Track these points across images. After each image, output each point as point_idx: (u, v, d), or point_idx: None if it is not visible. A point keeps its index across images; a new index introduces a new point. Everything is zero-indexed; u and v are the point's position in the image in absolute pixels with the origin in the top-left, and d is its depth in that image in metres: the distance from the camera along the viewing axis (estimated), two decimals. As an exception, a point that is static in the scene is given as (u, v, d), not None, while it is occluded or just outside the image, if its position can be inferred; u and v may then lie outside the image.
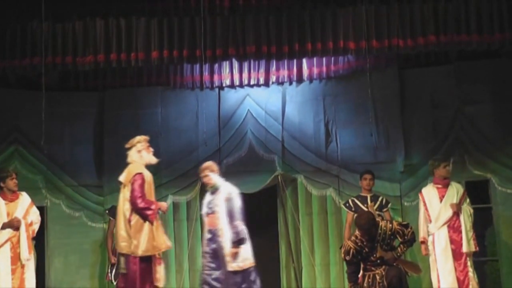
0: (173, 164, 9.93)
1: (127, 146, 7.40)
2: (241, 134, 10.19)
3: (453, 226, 8.45)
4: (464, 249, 8.31)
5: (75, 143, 10.20)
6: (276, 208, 10.09)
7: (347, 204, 9.06)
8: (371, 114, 9.28)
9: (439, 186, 8.62)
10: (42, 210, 9.53)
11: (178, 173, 10.00)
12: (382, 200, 9.01)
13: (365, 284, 7.39)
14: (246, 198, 9.70)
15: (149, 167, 7.42)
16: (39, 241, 9.38)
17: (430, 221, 8.52)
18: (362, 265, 7.48)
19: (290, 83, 10.21)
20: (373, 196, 9.02)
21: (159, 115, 10.27)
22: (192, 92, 10.27)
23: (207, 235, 7.78)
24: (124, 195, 7.19)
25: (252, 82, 10.16)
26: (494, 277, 9.43)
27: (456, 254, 8.38)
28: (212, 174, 7.81)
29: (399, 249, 7.45)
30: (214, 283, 7.62)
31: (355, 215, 8.16)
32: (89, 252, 10.00)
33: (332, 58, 9.88)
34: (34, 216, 8.26)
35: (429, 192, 8.63)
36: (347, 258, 7.39)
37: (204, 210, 7.89)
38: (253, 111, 10.21)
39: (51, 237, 9.91)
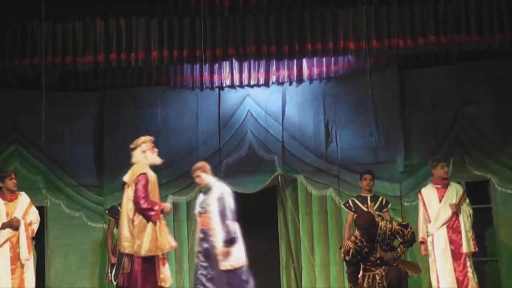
0: (173, 164, 9.93)
1: (131, 146, 7.40)
2: (241, 134, 10.19)
3: (452, 226, 8.45)
4: (464, 249, 8.32)
5: (75, 143, 10.20)
6: (276, 208, 10.09)
7: (347, 204, 9.06)
8: (371, 114, 9.28)
9: (439, 186, 8.63)
10: (42, 210, 9.54)
11: (178, 173, 10.00)
12: (382, 200, 9.02)
13: (365, 284, 7.39)
14: (246, 198, 9.76)
15: (150, 167, 7.42)
16: (39, 241, 9.39)
17: (430, 221, 8.52)
18: (362, 265, 7.48)
19: (290, 83, 10.21)
20: (373, 196, 9.02)
21: (159, 115, 10.27)
22: (192, 92, 10.27)
23: (200, 235, 7.80)
24: (128, 195, 7.20)
25: (252, 82, 10.17)
26: (494, 277, 9.44)
27: (456, 255, 8.38)
28: (204, 175, 7.81)
29: (399, 249, 7.45)
30: (208, 283, 7.62)
31: (355, 215, 8.17)
32: (89, 252, 10.00)
33: (332, 58, 9.88)
34: (33, 216, 8.26)
35: (428, 192, 8.64)
36: (347, 258, 7.39)
37: (197, 209, 7.90)
38: (253, 111, 10.22)
39: (51, 237, 9.91)
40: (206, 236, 7.69)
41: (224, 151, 10.11)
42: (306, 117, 10.14)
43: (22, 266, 8.03)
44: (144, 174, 7.18)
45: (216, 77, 10.14)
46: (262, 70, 10.12)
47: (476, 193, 9.31)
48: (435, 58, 9.78)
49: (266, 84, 10.17)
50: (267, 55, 8.65)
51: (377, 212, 8.76)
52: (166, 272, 7.18)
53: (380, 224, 7.41)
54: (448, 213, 8.46)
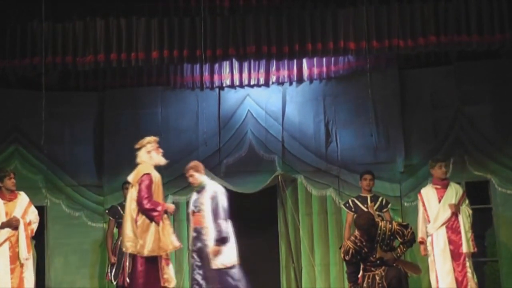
0: (173, 164, 9.85)
1: (136, 146, 7.42)
2: (241, 134, 10.19)
3: (451, 226, 8.45)
4: (463, 249, 8.31)
5: (75, 143, 10.20)
6: (276, 208, 10.09)
7: (347, 205, 9.05)
8: (371, 114, 9.28)
9: (438, 186, 8.63)
10: (42, 209, 9.56)
11: (178, 173, 9.96)
12: (382, 200, 9.01)
13: (364, 285, 7.39)
14: (246, 198, 9.77)
15: (155, 167, 7.41)
16: (39, 241, 9.40)
17: (429, 221, 8.53)
18: (362, 266, 7.48)
19: (290, 83, 10.21)
20: (373, 196, 9.02)
21: (159, 115, 10.27)
22: (192, 92, 10.27)
23: (193, 234, 7.82)
24: (132, 195, 7.22)
25: (252, 82, 10.17)
26: (494, 277, 9.43)
27: (455, 255, 8.38)
28: (197, 174, 7.82)
29: (398, 249, 7.45)
30: (203, 282, 7.64)
31: (355, 215, 8.17)
32: (89, 252, 10.00)
33: (332, 58, 9.88)
34: (33, 215, 8.27)
35: (428, 193, 8.64)
36: (346, 258, 7.39)
37: (191, 208, 7.92)
38: (253, 111, 10.22)
39: (51, 237, 9.91)
40: (199, 235, 7.71)
41: (224, 151, 10.11)
42: (306, 117, 10.14)
43: (21, 265, 8.04)
44: (148, 174, 7.19)
45: (216, 77, 10.15)
46: (262, 70, 10.12)
47: (476, 193, 9.31)
48: (435, 58, 9.79)
49: (266, 84, 10.17)
50: (267, 55, 8.66)
51: (377, 212, 8.76)
52: (170, 273, 7.19)
53: (380, 224, 7.41)
54: (447, 213, 8.46)
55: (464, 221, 8.40)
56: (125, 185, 9.34)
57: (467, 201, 8.57)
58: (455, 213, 8.46)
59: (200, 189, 7.84)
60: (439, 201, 8.54)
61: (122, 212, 9.21)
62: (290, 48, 8.56)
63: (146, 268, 7.06)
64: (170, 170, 9.84)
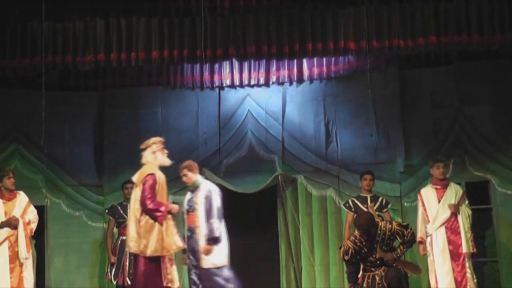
0: (173, 164, 9.89)
1: (142, 147, 7.42)
2: (241, 134, 10.19)
3: (451, 227, 8.46)
4: (463, 249, 8.31)
5: (75, 142, 10.20)
6: (276, 208, 10.08)
7: (347, 205, 9.05)
8: (371, 114, 9.28)
9: (438, 187, 8.63)
10: (42, 209, 9.57)
11: (178, 173, 9.92)
12: (382, 200, 9.01)
13: (364, 285, 7.39)
14: (246, 198, 9.77)
15: (159, 168, 7.41)
16: (39, 241, 9.41)
17: (428, 221, 8.54)
18: (362, 266, 7.48)
19: (291, 83, 10.21)
20: (373, 196, 9.02)
21: (159, 115, 10.27)
22: (192, 92, 10.27)
23: (187, 233, 7.83)
24: (136, 195, 7.22)
25: (252, 82, 10.17)
26: (494, 278, 9.43)
27: (454, 255, 8.38)
28: (190, 173, 7.83)
29: (398, 250, 7.45)
30: (199, 282, 7.65)
31: (355, 215, 8.17)
32: (89, 251, 10.00)
33: (333, 59, 9.88)
34: (32, 215, 8.27)
35: (427, 193, 8.65)
36: (346, 258, 7.39)
37: (185, 207, 7.92)
38: (253, 111, 10.21)
39: (51, 237, 9.91)
40: (192, 234, 7.73)
41: (224, 151, 10.11)
42: (306, 117, 10.14)
43: (21, 265, 8.05)
44: (152, 174, 7.20)
45: (216, 77, 10.15)
46: (262, 70, 10.12)
47: (476, 193, 9.32)
48: (436, 58, 9.79)
49: (267, 84, 10.17)
50: (267, 55, 8.66)
51: (377, 212, 8.76)
52: (173, 273, 7.19)
53: (380, 224, 7.41)
54: (446, 213, 8.47)
55: (463, 222, 8.41)
56: (125, 185, 9.36)
57: (466, 202, 8.57)
58: (455, 214, 8.46)
59: (194, 188, 7.84)
60: (439, 202, 8.54)
61: (122, 212, 9.25)
62: (290, 48, 8.56)
63: (149, 268, 7.07)
64: (170, 170, 9.81)
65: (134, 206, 7.19)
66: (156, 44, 8.53)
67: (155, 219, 7.09)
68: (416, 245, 8.33)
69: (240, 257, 9.94)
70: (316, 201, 9.93)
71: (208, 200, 7.67)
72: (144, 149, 7.41)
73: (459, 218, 8.43)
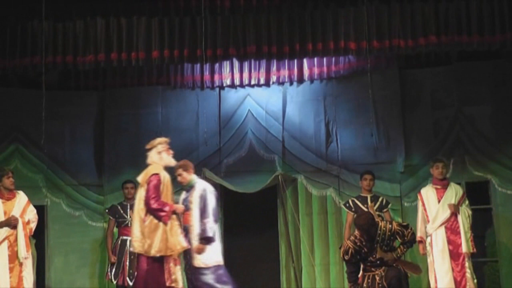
0: (174, 164, 9.93)
1: (147, 147, 7.41)
2: (241, 134, 10.19)
3: (451, 227, 8.45)
4: (463, 249, 8.31)
5: (75, 142, 10.20)
6: (276, 208, 10.08)
7: (347, 204, 9.05)
8: (372, 114, 9.28)
9: (438, 187, 8.63)
10: (42, 209, 9.57)
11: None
12: (382, 200, 9.01)
13: (364, 285, 7.38)
14: (247, 198, 9.77)
15: (165, 168, 7.41)
16: (39, 240, 9.41)
17: (428, 221, 8.53)
18: (362, 266, 7.48)
19: (291, 83, 10.21)
20: (373, 196, 9.02)
21: (159, 115, 10.27)
22: (192, 92, 10.27)
23: (183, 232, 7.79)
24: (140, 195, 7.22)
25: (252, 82, 10.17)
26: (494, 278, 9.42)
27: (454, 255, 8.38)
28: (185, 173, 7.82)
29: (399, 250, 7.44)
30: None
31: (355, 215, 8.17)
32: (89, 251, 10.00)
33: (333, 58, 9.88)
34: (31, 214, 8.27)
35: (428, 192, 8.65)
36: (346, 257, 7.39)
37: None
38: (253, 111, 10.21)
39: (51, 236, 9.91)
40: (186, 233, 7.70)
41: (224, 151, 10.11)
42: (307, 117, 10.14)
43: (20, 264, 8.04)
44: (156, 174, 7.20)
45: (216, 76, 10.14)
46: (262, 70, 10.11)
47: (476, 193, 9.31)
48: (436, 58, 9.79)
49: (267, 84, 10.17)
50: (267, 55, 8.66)
51: (377, 212, 8.76)
52: (178, 273, 7.18)
53: (380, 224, 7.41)
54: (446, 213, 8.47)
55: (463, 221, 8.40)
56: (125, 185, 9.37)
57: (467, 202, 8.57)
58: (455, 214, 8.46)
59: (189, 187, 7.83)
60: (439, 201, 8.54)
61: (122, 211, 9.25)
62: (290, 48, 8.56)
63: (152, 267, 7.06)
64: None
65: (138, 206, 7.20)
66: (157, 44, 8.53)
67: (159, 219, 7.09)
68: (416, 245, 8.33)
69: (240, 257, 9.98)
70: (316, 201, 9.93)
71: (203, 199, 7.65)
72: (150, 150, 7.40)
73: (459, 218, 8.43)
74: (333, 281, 9.72)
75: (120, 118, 10.23)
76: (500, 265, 9.36)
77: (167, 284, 7.08)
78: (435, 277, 8.41)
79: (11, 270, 7.96)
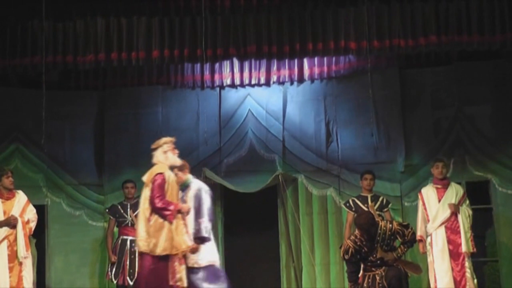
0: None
1: (153, 147, 7.39)
2: (241, 134, 10.18)
3: (451, 226, 8.45)
4: (462, 249, 8.31)
5: (75, 142, 10.20)
6: (276, 208, 10.08)
7: (348, 204, 9.05)
8: (372, 114, 9.28)
9: (439, 186, 8.63)
10: (42, 208, 9.58)
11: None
12: (382, 200, 9.01)
13: (365, 284, 7.39)
14: (247, 198, 9.77)
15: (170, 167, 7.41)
16: (39, 240, 9.42)
17: (429, 221, 8.53)
18: (362, 265, 7.48)
19: (291, 83, 10.20)
20: (373, 196, 9.02)
21: (159, 115, 10.27)
22: (192, 92, 10.27)
23: None
24: (145, 195, 7.21)
25: (253, 82, 10.16)
26: (494, 277, 9.43)
27: (454, 255, 8.38)
28: (180, 173, 7.80)
29: (399, 249, 7.44)
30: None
31: (355, 214, 8.16)
32: (89, 251, 10.00)
33: (333, 58, 9.87)
34: (31, 214, 8.26)
35: (428, 192, 8.65)
36: (346, 257, 7.39)
37: None
38: (254, 111, 10.21)
39: (52, 236, 9.91)
40: None
41: (224, 151, 10.11)
42: (307, 117, 10.14)
43: (20, 264, 8.04)
44: (161, 174, 7.17)
45: (217, 76, 10.14)
46: (263, 70, 10.11)
47: (477, 193, 9.30)
48: (436, 58, 9.78)
49: (267, 83, 10.17)
50: (268, 54, 8.66)
51: (377, 212, 8.75)
52: (183, 273, 7.16)
53: (380, 224, 7.41)
54: (446, 213, 8.46)
55: (463, 221, 8.40)
56: (125, 184, 9.38)
57: (467, 202, 8.57)
58: (455, 213, 8.45)
59: (184, 187, 7.82)
60: (439, 201, 8.54)
61: (122, 211, 9.26)
62: (291, 48, 8.56)
63: (157, 267, 7.03)
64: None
65: (143, 205, 7.19)
66: (157, 44, 8.53)
67: (164, 218, 7.07)
68: (416, 244, 8.33)
69: (241, 256, 9.99)
70: (316, 201, 9.93)
71: (198, 198, 7.63)
72: (155, 149, 7.38)
73: (459, 217, 8.43)
74: (333, 280, 9.72)
75: (120, 118, 10.23)
76: (500, 265, 9.36)
77: (171, 283, 7.07)
78: (435, 276, 8.41)
79: (10, 269, 7.96)
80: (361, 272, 7.52)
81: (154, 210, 7.08)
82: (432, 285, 8.46)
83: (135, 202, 9.30)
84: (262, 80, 10.14)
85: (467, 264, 8.35)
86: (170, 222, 7.06)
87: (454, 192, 8.56)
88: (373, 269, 7.38)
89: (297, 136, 10.10)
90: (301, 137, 10.09)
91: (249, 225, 10.02)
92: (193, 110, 10.26)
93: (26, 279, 8.07)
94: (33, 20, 8.51)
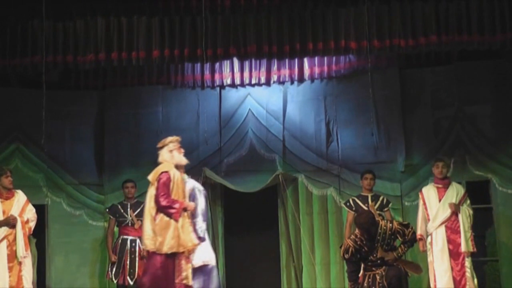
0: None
1: (159, 145, 7.38)
2: (242, 134, 10.18)
3: (451, 226, 8.45)
4: (462, 248, 8.31)
5: (75, 141, 10.20)
6: (276, 208, 10.08)
7: (348, 204, 9.05)
8: (372, 114, 9.28)
9: (439, 186, 8.63)
10: (42, 208, 9.58)
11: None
12: (382, 199, 9.01)
13: (365, 284, 7.39)
14: (247, 198, 9.77)
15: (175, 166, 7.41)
16: (39, 240, 9.42)
17: (429, 220, 8.53)
18: (362, 265, 7.48)
19: (292, 83, 10.21)
20: (373, 195, 9.02)
21: (160, 114, 10.27)
22: (193, 91, 10.27)
23: None
24: (151, 194, 7.21)
25: (253, 82, 10.17)
26: (494, 277, 9.43)
27: (454, 254, 8.37)
28: None
29: (399, 249, 7.45)
30: None
31: (356, 214, 8.17)
32: (89, 250, 10.00)
33: (334, 58, 9.87)
34: (30, 213, 8.27)
35: (429, 191, 8.64)
36: (346, 256, 7.40)
37: None
38: (254, 111, 10.21)
39: (52, 236, 9.90)
40: None
41: (225, 150, 10.11)
42: (307, 117, 10.14)
43: (19, 264, 8.04)
44: (166, 172, 7.17)
45: (217, 76, 10.15)
46: (263, 69, 10.11)
47: (477, 193, 9.29)
48: (436, 58, 9.78)
49: (267, 83, 10.17)
50: (268, 54, 8.65)
51: (377, 212, 8.75)
52: (189, 271, 7.16)
53: (380, 223, 7.41)
54: (447, 212, 8.46)
55: (463, 221, 8.39)
56: (125, 184, 9.38)
57: (468, 202, 8.56)
58: (455, 213, 8.45)
59: None
60: (440, 200, 8.54)
61: (122, 211, 9.26)
62: (291, 47, 8.55)
63: (164, 265, 7.02)
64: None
65: (149, 204, 7.18)
66: (157, 43, 8.52)
67: (169, 216, 7.07)
68: (416, 244, 8.33)
69: (241, 256, 9.99)
70: (316, 201, 9.93)
71: (192, 198, 7.61)
72: (161, 148, 7.38)
73: (460, 217, 8.43)
74: (333, 280, 9.73)
75: (120, 117, 10.23)
76: (501, 264, 9.36)
77: (176, 281, 7.06)
78: (435, 276, 8.41)
79: (10, 269, 7.97)
80: (361, 271, 7.52)
81: (159, 208, 7.08)
82: (431, 284, 8.46)
83: (135, 202, 9.32)
84: (262, 80, 10.14)
85: (467, 263, 8.34)
86: (176, 220, 7.06)
87: (455, 191, 8.56)
88: (373, 268, 7.38)
89: (297, 135, 10.10)
90: (301, 136, 10.09)
91: (249, 225, 10.02)
92: (193, 110, 10.26)
93: (26, 279, 8.07)
94: (33, 20, 8.50)
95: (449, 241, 8.41)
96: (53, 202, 9.97)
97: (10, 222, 8.04)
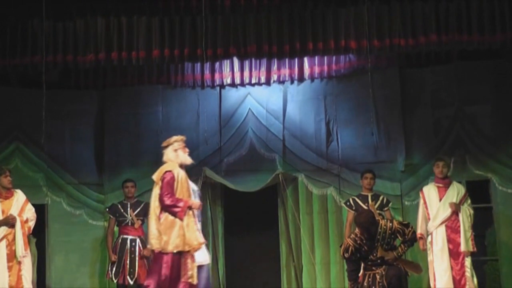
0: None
1: (163, 145, 7.38)
2: (242, 133, 10.19)
3: (451, 226, 8.44)
4: (462, 248, 8.31)
5: (75, 141, 10.20)
6: (276, 207, 10.08)
7: (348, 203, 9.05)
8: (372, 113, 9.28)
9: (440, 185, 8.62)
10: (42, 208, 9.59)
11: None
12: (383, 199, 9.01)
13: (365, 283, 7.39)
14: (247, 197, 9.77)
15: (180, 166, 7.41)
16: (39, 239, 9.42)
17: (429, 219, 8.53)
18: (362, 264, 7.48)
19: (292, 82, 10.21)
20: (373, 195, 9.01)
21: (160, 114, 10.27)
22: (193, 91, 10.27)
23: None
24: (155, 193, 7.21)
25: (253, 81, 10.17)
26: (494, 277, 9.43)
27: (454, 254, 8.37)
28: None
29: (399, 248, 7.45)
30: None
31: (356, 213, 8.17)
32: (89, 250, 10.00)
33: (334, 57, 9.87)
34: (30, 213, 8.27)
35: (429, 191, 8.64)
36: (346, 255, 7.39)
37: None
38: (254, 110, 10.21)
39: (52, 235, 9.91)
40: None
41: (225, 150, 10.11)
42: (307, 116, 10.14)
43: (19, 263, 8.04)
44: (169, 171, 7.17)
45: (217, 75, 10.15)
46: (263, 69, 10.11)
47: (477, 192, 9.29)
48: (436, 57, 9.78)
49: (267, 83, 10.17)
50: (268, 53, 8.66)
51: (377, 211, 8.75)
52: (194, 270, 7.16)
53: (380, 222, 7.41)
54: (447, 212, 8.46)
55: (464, 220, 8.39)
56: (125, 184, 9.39)
57: (469, 201, 8.56)
58: (456, 212, 8.45)
59: None
60: (440, 200, 8.53)
61: (122, 210, 9.27)
62: (291, 47, 8.56)
63: (170, 264, 7.02)
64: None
65: (154, 203, 7.18)
66: (157, 43, 8.53)
67: (174, 215, 7.06)
68: (417, 243, 8.33)
69: (241, 256, 9.99)
70: (316, 200, 9.93)
71: None
72: (166, 147, 7.38)
73: (460, 217, 8.43)
74: (333, 280, 9.73)
75: (120, 117, 10.23)
76: (501, 264, 9.36)
77: (182, 280, 7.06)
78: (434, 275, 8.41)
79: (10, 269, 7.97)
80: (361, 271, 7.52)
81: (164, 207, 7.08)
82: (431, 284, 8.46)
83: (135, 201, 9.33)
84: (262, 80, 10.14)
85: (467, 263, 8.34)
86: (181, 219, 7.06)
87: (456, 191, 8.55)
88: (373, 268, 7.38)
89: (297, 135, 10.10)
90: (301, 136, 10.09)
91: (249, 225, 10.02)
92: (193, 109, 10.26)
93: (26, 278, 8.08)
94: (33, 20, 8.51)
95: (449, 240, 8.41)
96: (53, 202, 9.97)
97: (9, 222, 8.04)
